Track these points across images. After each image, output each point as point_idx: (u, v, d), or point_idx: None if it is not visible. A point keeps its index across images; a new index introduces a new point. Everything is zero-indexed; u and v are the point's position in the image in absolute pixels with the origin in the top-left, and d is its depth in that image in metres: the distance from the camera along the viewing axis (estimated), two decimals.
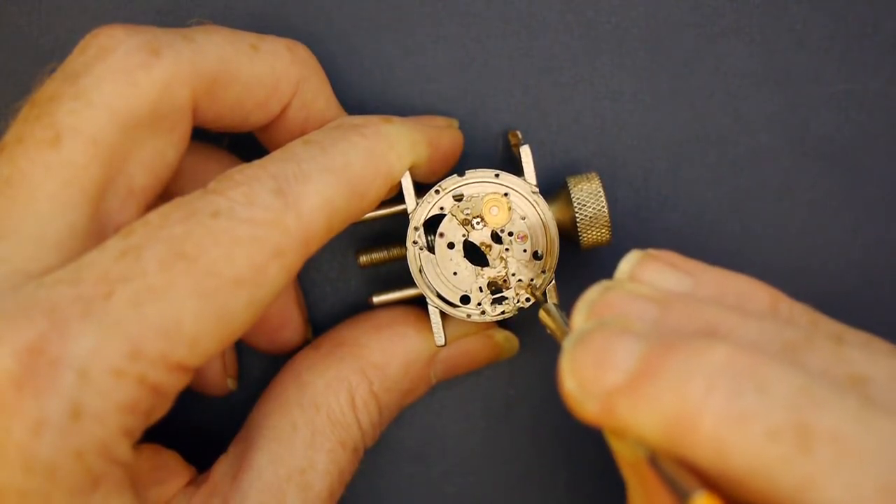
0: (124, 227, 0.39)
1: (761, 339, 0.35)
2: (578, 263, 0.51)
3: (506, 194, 0.46)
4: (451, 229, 0.46)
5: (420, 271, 0.46)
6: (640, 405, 0.34)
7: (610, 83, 0.51)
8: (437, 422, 0.52)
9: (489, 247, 0.46)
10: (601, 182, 0.47)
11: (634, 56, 0.51)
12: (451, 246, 0.46)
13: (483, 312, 0.46)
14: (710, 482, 0.34)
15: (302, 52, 0.45)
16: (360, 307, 0.52)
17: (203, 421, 0.52)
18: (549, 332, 0.42)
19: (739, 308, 0.37)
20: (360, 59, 0.51)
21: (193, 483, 0.44)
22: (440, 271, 0.46)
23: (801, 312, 0.39)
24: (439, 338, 0.47)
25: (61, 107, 0.40)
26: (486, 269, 0.46)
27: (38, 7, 0.51)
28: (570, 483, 0.52)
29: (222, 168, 0.48)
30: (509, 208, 0.46)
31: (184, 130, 0.42)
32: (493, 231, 0.46)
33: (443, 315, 0.47)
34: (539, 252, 0.46)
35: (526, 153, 0.46)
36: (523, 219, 0.46)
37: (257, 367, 0.52)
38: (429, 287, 0.46)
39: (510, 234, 0.46)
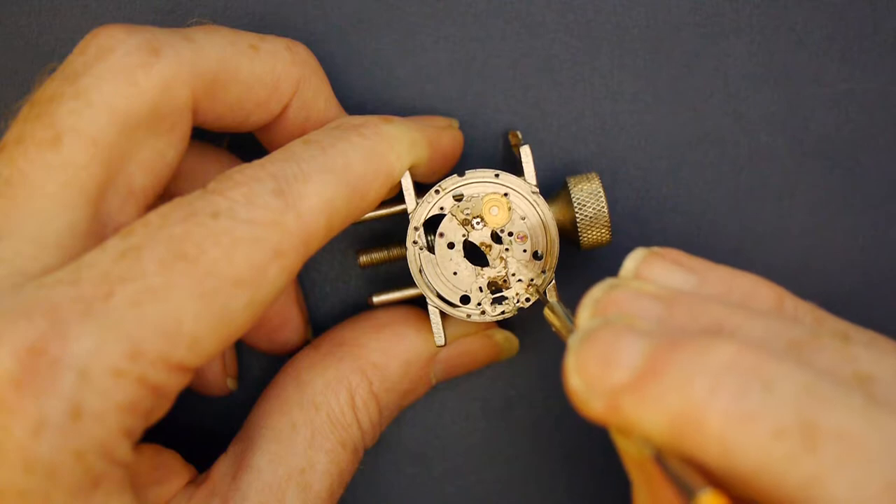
0: (124, 228, 0.39)
1: (767, 337, 0.35)
2: (578, 263, 0.51)
3: (506, 194, 0.46)
4: (451, 229, 0.46)
5: (420, 271, 0.46)
6: (646, 403, 0.34)
7: (610, 83, 0.51)
8: (437, 422, 0.52)
9: (489, 247, 0.46)
10: (601, 182, 0.47)
11: (634, 56, 0.51)
12: (451, 246, 0.46)
13: (483, 312, 0.46)
14: (715, 480, 0.34)
15: (302, 52, 0.45)
16: (360, 307, 0.52)
17: (203, 421, 0.52)
18: (554, 329, 0.42)
19: (745, 306, 0.37)
20: (360, 59, 0.51)
21: (193, 483, 0.44)
22: (440, 271, 0.46)
23: (806, 310, 0.39)
24: (439, 338, 0.47)
25: (61, 107, 0.40)
26: (486, 269, 0.46)
27: (38, 7, 0.51)
28: (570, 483, 0.52)
29: (222, 168, 0.48)
30: (509, 208, 0.46)
31: (184, 130, 0.42)
32: (492, 231, 0.46)
33: (443, 315, 0.47)
34: (539, 252, 0.46)
35: (526, 153, 0.46)
36: (523, 219, 0.46)
37: (257, 367, 0.52)
38: (429, 287, 0.46)
39: (510, 234, 0.46)
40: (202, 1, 0.51)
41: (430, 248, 0.46)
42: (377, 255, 0.49)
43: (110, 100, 0.40)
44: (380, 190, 0.43)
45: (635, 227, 0.51)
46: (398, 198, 0.46)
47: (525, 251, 0.46)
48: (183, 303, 0.37)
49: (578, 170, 0.51)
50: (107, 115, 0.40)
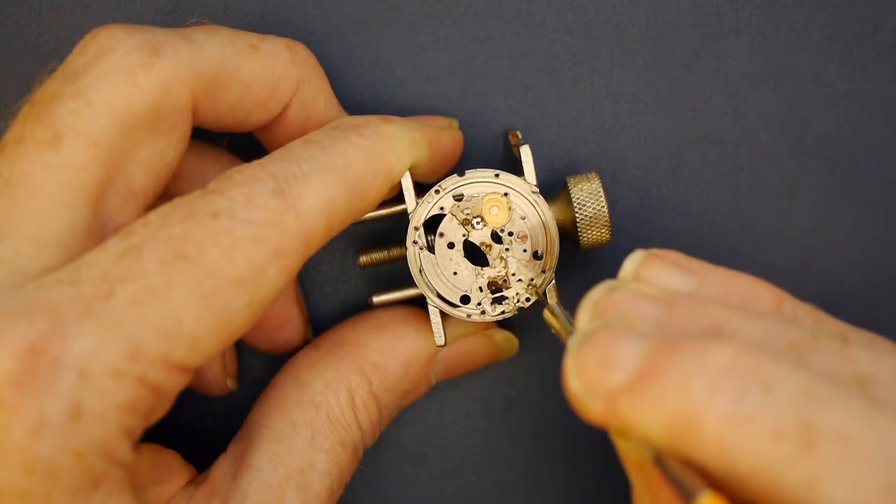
0: (124, 228, 0.38)
1: (766, 339, 0.35)
2: (578, 263, 0.51)
3: (506, 194, 0.46)
4: (451, 229, 0.46)
5: (420, 271, 0.46)
6: (644, 405, 0.34)
7: (610, 83, 0.51)
8: (437, 422, 0.52)
9: (489, 247, 0.46)
10: (601, 182, 0.47)
11: (634, 56, 0.51)
12: (451, 246, 0.46)
13: (483, 312, 0.46)
14: (714, 482, 0.34)
15: (302, 52, 0.45)
16: (360, 307, 0.52)
17: (203, 421, 0.52)
18: (553, 331, 0.42)
19: (744, 308, 0.37)
20: (360, 60, 0.51)
21: (193, 483, 0.44)
22: (440, 271, 0.46)
23: (805, 312, 0.39)
24: (439, 338, 0.47)
25: (61, 107, 0.40)
26: (486, 268, 0.46)
27: (38, 7, 0.51)
28: (570, 483, 0.52)
29: (222, 168, 0.48)
30: (509, 208, 0.46)
31: (184, 130, 0.42)
32: (493, 231, 0.46)
33: (443, 315, 0.47)
34: (539, 252, 0.46)
35: (526, 153, 0.46)
36: (523, 219, 0.46)
37: (257, 367, 0.52)
38: (429, 287, 0.46)
39: (510, 233, 0.46)
40: (202, 1, 0.51)
41: (431, 248, 0.46)
42: (377, 255, 0.49)
43: (110, 100, 0.40)
44: (380, 190, 0.43)
45: (635, 227, 0.51)
46: (398, 198, 0.46)
47: (525, 251, 0.46)
48: (183, 303, 0.37)
49: (578, 170, 0.51)
50: (107, 115, 0.40)
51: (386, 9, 0.51)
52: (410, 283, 0.47)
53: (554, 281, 0.46)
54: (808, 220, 0.51)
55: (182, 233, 0.37)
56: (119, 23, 0.42)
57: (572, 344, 0.36)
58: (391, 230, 0.52)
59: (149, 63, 0.40)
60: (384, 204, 0.47)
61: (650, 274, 0.39)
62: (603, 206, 0.47)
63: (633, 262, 0.40)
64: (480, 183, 0.46)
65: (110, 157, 0.40)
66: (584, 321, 0.38)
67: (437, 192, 0.46)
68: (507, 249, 0.46)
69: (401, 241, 0.48)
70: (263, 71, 0.43)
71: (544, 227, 0.46)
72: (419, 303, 0.48)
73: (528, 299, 0.46)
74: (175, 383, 0.38)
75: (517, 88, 0.51)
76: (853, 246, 0.52)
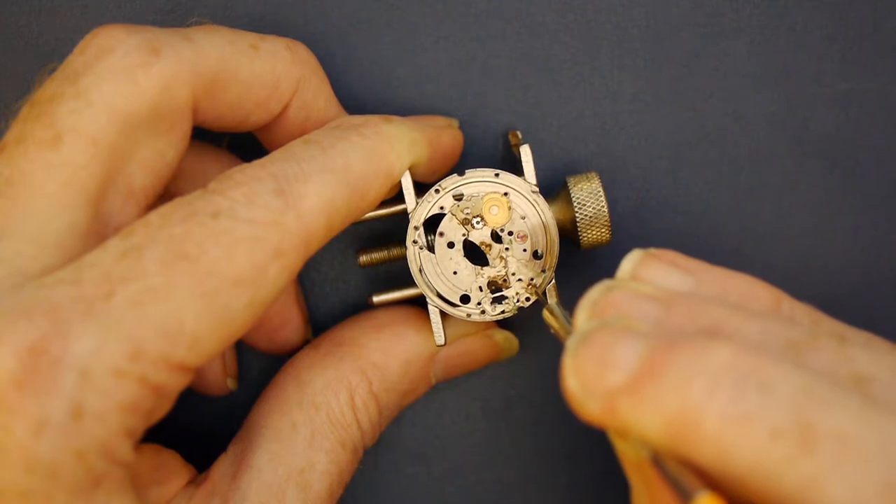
0: (125, 228, 0.39)
1: (764, 339, 0.35)
2: (578, 263, 0.51)
3: (505, 194, 0.46)
4: (450, 228, 0.46)
5: (420, 271, 0.46)
6: (643, 405, 0.34)
7: (610, 83, 0.51)
8: (437, 422, 0.52)
9: (489, 246, 0.46)
10: (601, 181, 0.47)
11: (634, 56, 0.51)
12: (451, 245, 0.46)
13: (483, 312, 0.46)
14: (712, 482, 0.34)
15: (302, 52, 0.45)
16: (360, 307, 0.52)
17: (202, 421, 0.52)
18: (552, 331, 0.42)
19: (742, 307, 0.37)
20: (359, 60, 0.51)
21: (193, 483, 0.44)
22: (440, 271, 0.46)
23: (803, 312, 0.39)
24: (439, 337, 0.47)
25: (61, 106, 0.40)
26: (485, 268, 0.46)
27: (38, 7, 0.51)
28: (570, 483, 0.52)
29: (222, 168, 0.48)
30: (509, 208, 0.46)
31: (184, 130, 0.42)
32: (492, 230, 0.46)
33: (443, 315, 0.47)
34: (539, 251, 0.46)
35: (526, 152, 0.46)
36: (523, 218, 0.46)
37: (257, 367, 0.52)
38: (429, 286, 0.46)
39: (510, 233, 0.46)
40: (202, 1, 0.51)
41: (430, 248, 0.46)
42: (377, 255, 0.49)
43: (110, 99, 0.40)
44: (380, 189, 0.43)
45: (635, 226, 0.51)
46: (398, 198, 0.46)
47: (525, 250, 0.46)
48: (184, 303, 0.37)
49: (578, 170, 0.51)
50: (107, 114, 0.40)
51: (386, 9, 0.51)
52: (410, 283, 0.47)
53: (554, 281, 0.46)
54: (808, 220, 0.51)
55: (183, 232, 0.37)
56: (119, 23, 0.42)
57: (570, 344, 0.36)
58: (391, 230, 0.52)
59: (149, 63, 0.40)
60: (384, 204, 0.47)
61: (648, 273, 0.39)
62: (603, 206, 0.47)
63: (630, 262, 0.40)
64: (480, 182, 0.46)
65: (110, 157, 0.40)
66: (583, 321, 0.38)
67: (436, 191, 0.46)
68: (506, 249, 0.46)
69: (401, 240, 0.48)
70: (263, 70, 0.43)
71: (544, 227, 0.46)
72: (419, 302, 0.48)
73: (527, 299, 0.46)
74: (176, 383, 0.38)
75: (517, 88, 0.51)
76: (853, 246, 0.52)
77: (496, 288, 0.46)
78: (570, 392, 0.36)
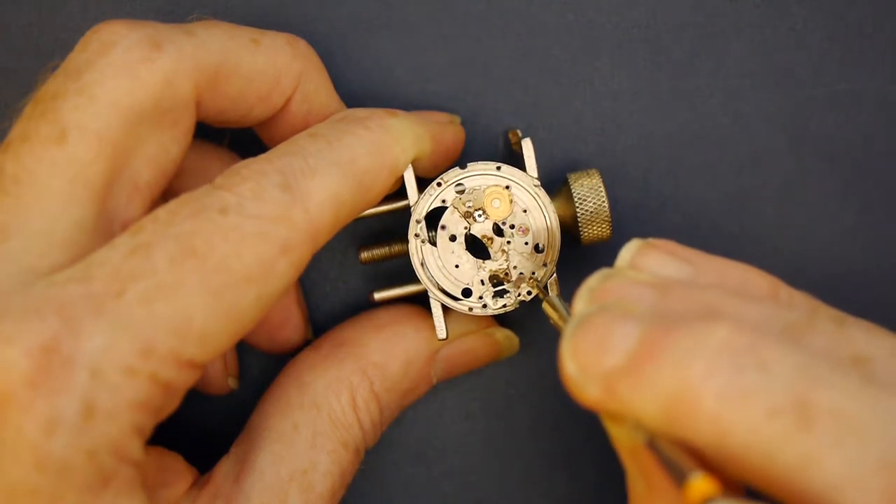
0: (133, 224, 0.39)
1: (762, 321, 0.35)
2: (579, 260, 0.51)
3: (507, 187, 0.46)
4: (452, 221, 0.46)
5: (422, 264, 0.46)
6: (641, 386, 0.34)
7: (610, 83, 0.51)
8: (437, 422, 0.52)
9: (491, 239, 0.46)
10: (601, 178, 0.47)
11: (634, 56, 0.51)
12: (452, 238, 0.46)
13: (485, 306, 0.46)
14: (708, 464, 0.33)
15: (302, 47, 0.45)
16: (360, 307, 0.52)
17: (203, 422, 0.52)
18: (552, 322, 0.42)
19: (740, 293, 0.37)
20: (360, 60, 0.51)
21: (196, 485, 0.44)
22: (442, 264, 0.46)
23: (801, 299, 0.39)
24: (441, 331, 0.47)
25: (65, 103, 0.40)
26: (487, 262, 0.46)
27: (39, 7, 0.51)
28: (570, 483, 0.52)
29: (224, 166, 0.48)
30: (511, 201, 0.46)
31: (187, 125, 0.42)
32: (494, 224, 0.46)
33: (444, 310, 0.47)
34: (540, 245, 0.46)
35: (527, 146, 0.46)
36: (525, 212, 0.46)
37: (258, 366, 0.52)
38: (430, 280, 0.46)
39: (512, 226, 0.46)
40: (202, 1, 0.51)
41: (432, 243, 0.46)
42: (378, 251, 0.49)
43: (113, 95, 0.40)
44: (385, 183, 0.43)
45: (635, 226, 0.51)
46: (398, 194, 0.46)
47: (527, 244, 0.46)
48: (193, 299, 0.37)
49: (578, 169, 0.51)
50: (110, 110, 0.40)
51: (386, 9, 0.51)
52: (411, 280, 0.47)
53: (555, 275, 0.46)
54: (808, 220, 0.51)
55: (191, 229, 0.37)
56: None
57: (568, 329, 0.36)
58: (391, 229, 0.52)
59: (151, 57, 0.40)
60: (385, 199, 0.47)
61: (646, 262, 0.39)
62: (603, 202, 0.47)
63: (628, 251, 0.40)
64: (482, 175, 0.46)
65: (115, 153, 0.40)
66: (580, 308, 0.38)
67: (438, 184, 0.46)
68: (508, 242, 0.46)
69: (402, 237, 0.48)
70: (265, 64, 0.44)
71: (546, 220, 0.46)
72: (419, 300, 0.48)
73: (529, 292, 0.46)
74: (185, 380, 0.38)
75: (517, 88, 0.51)
76: (853, 246, 0.52)
77: (497, 281, 0.46)
78: (567, 376, 0.36)
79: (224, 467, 0.45)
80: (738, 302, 0.36)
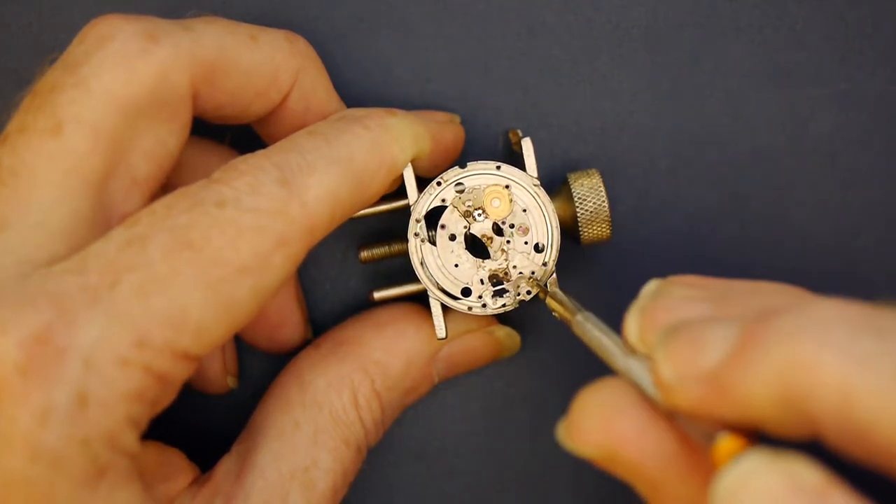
0: (129, 217, 0.39)
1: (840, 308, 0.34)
2: (579, 260, 0.51)
3: (507, 186, 0.46)
4: (452, 221, 0.46)
5: (421, 263, 0.46)
6: (752, 367, 0.32)
7: (610, 83, 0.51)
8: (437, 422, 0.52)
9: (490, 239, 0.46)
10: (601, 178, 0.47)
11: (634, 56, 0.51)
12: (452, 238, 0.46)
13: (484, 305, 0.46)
14: (830, 441, 0.32)
15: (301, 45, 0.45)
16: (360, 306, 0.52)
17: (204, 421, 0.52)
18: (556, 315, 0.42)
19: (797, 292, 0.37)
20: (359, 59, 0.51)
21: (196, 482, 0.44)
22: (441, 263, 0.46)
23: None
24: (440, 330, 0.46)
25: (62, 96, 0.40)
26: (487, 261, 0.46)
27: (38, 5, 0.51)
28: (570, 483, 0.52)
29: (224, 162, 0.48)
30: (511, 200, 0.46)
31: (184, 119, 0.42)
32: (494, 223, 0.46)
33: (444, 309, 0.47)
34: (540, 244, 0.46)
35: (527, 146, 0.46)
36: (524, 211, 0.46)
37: (258, 366, 0.52)
38: (430, 279, 0.46)
39: (511, 226, 0.46)
40: (202, 1, 0.51)
41: (432, 242, 0.46)
42: (378, 251, 0.49)
43: (109, 87, 0.40)
44: (383, 181, 0.43)
45: (635, 226, 0.51)
46: (397, 193, 0.46)
47: (526, 243, 0.46)
48: (188, 291, 0.37)
49: (578, 169, 0.51)
50: (106, 102, 0.40)
51: (386, 9, 0.51)
52: (410, 280, 0.47)
53: (555, 275, 0.46)
54: (808, 220, 0.51)
55: (187, 222, 0.38)
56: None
57: (658, 340, 0.35)
58: (391, 228, 0.52)
59: (146, 50, 0.40)
60: (385, 198, 0.47)
61: (672, 291, 0.38)
62: (603, 202, 0.47)
63: (649, 290, 0.39)
64: (482, 174, 0.46)
65: (112, 145, 0.40)
66: (633, 327, 0.37)
67: (438, 183, 0.46)
68: (508, 241, 0.46)
69: (401, 237, 0.48)
70: (263, 60, 0.44)
71: (546, 220, 0.46)
72: (420, 299, 0.48)
73: (528, 292, 0.46)
74: (180, 372, 0.38)
75: (517, 88, 0.51)
76: (853, 246, 0.52)
77: (497, 281, 0.46)
78: (664, 383, 0.35)
79: (225, 465, 0.45)
80: (803, 297, 0.36)
